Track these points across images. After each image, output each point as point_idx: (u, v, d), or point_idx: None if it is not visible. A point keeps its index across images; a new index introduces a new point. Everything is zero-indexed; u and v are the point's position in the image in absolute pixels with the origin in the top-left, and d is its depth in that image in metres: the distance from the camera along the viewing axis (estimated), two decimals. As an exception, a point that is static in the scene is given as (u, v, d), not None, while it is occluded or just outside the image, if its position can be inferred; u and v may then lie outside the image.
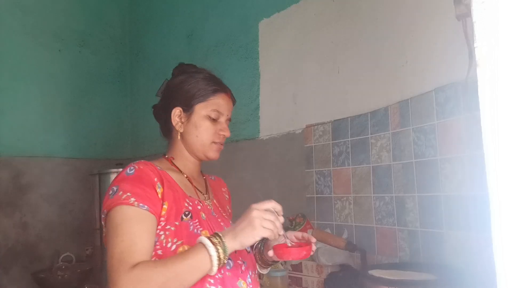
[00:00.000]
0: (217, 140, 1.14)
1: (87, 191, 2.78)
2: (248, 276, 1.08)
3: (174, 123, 1.13)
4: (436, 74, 1.48)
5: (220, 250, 0.87)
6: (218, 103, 1.14)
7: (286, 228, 2.01)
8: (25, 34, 2.93)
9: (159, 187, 0.99)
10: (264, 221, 0.90)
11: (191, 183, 1.15)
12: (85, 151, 3.16)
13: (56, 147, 3.01)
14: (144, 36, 3.41)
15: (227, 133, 1.15)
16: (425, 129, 1.49)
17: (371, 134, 1.72)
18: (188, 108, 1.13)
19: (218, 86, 1.16)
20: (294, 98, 2.12)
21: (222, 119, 1.15)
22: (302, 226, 1.89)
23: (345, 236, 1.76)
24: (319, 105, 1.99)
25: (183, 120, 1.13)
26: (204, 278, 0.92)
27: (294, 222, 1.93)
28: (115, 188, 0.96)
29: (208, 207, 1.14)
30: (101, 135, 3.29)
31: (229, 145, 2.47)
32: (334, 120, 1.89)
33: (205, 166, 1.30)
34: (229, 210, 1.33)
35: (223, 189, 1.36)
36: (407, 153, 1.55)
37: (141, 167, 1.01)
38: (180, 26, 3.00)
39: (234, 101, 1.20)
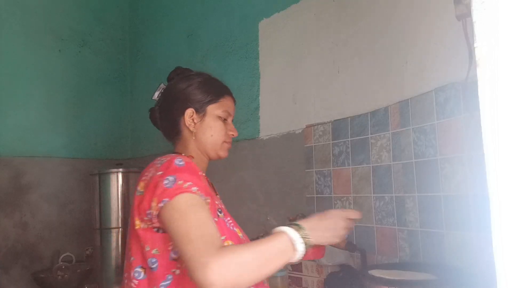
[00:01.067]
0: (227, 140, 1.21)
1: (87, 191, 2.78)
2: None
3: (187, 123, 1.17)
4: (436, 74, 1.48)
5: (305, 243, 0.89)
6: (227, 104, 1.22)
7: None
8: (25, 34, 2.93)
9: (203, 181, 1.02)
10: (346, 230, 0.98)
11: (210, 183, 1.20)
12: (85, 151, 3.16)
13: (56, 147, 3.01)
14: (144, 36, 3.41)
15: (236, 133, 1.23)
16: (425, 129, 1.49)
17: (371, 134, 1.72)
18: (201, 110, 1.18)
19: (225, 88, 1.25)
20: (294, 98, 2.12)
21: (229, 120, 1.23)
22: (302, 226, 1.89)
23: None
24: (319, 105, 1.99)
25: (195, 121, 1.17)
26: None
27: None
28: (171, 178, 0.95)
29: (223, 206, 1.19)
30: (101, 135, 3.29)
31: (229, 145, 2.48)
32: (334, 120, 1.89)
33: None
34: None
35: None
36: (407, 153, 1.55)
37: (188, 160, 1.03)
38: (180, 26, 3.00)
39: (235, 101, 1.28)
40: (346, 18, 1.87)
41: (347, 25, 1.87)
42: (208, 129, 1.17)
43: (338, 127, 1.87)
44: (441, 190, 1.41)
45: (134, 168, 2.53)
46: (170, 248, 0.97)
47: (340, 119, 1.87)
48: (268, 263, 0.85)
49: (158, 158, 1.07)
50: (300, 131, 2.07)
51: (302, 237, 0.88)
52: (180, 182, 0.93)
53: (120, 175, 2.47)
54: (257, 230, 2.14)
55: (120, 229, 2.39)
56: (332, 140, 1.89)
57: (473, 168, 1.30)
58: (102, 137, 3.30)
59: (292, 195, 2.07)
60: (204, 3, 2.79)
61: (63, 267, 2.51)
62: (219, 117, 1.19)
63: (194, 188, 0.93)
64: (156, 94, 1.24)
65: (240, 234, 1.08)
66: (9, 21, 2.86)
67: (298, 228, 0.90)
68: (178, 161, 1.00)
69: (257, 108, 2.34)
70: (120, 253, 2.37)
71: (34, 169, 2.87)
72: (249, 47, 2.41)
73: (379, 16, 1.73)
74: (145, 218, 0.98)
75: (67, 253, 2.66)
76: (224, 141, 1.19)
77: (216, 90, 1.21)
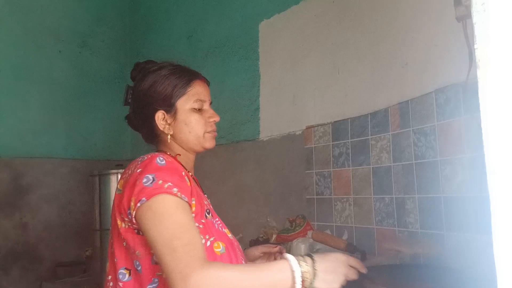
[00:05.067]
0: (209, 129, 1.10)
1: (87, 192, 2.78)
2: None
3: (161, 127, 1.08)
4: (436, 75, 1.48)
5: (307, 283, 0.81)
6: (197, 92, 1.09)
7: (286, 229, 2.02)
8: (25, 35, 2.93)
9: (187, 181, 0.95)
10: (345, 277, 0.87)
11: (196, 182, 1.12)
12: (85, 152, 3.16)
13: (56, 148, 3.01)
14: (144, 37, 3.42)
15: (217, 118, 1.12)
16: (425, 131, 1.48)
17: (371, 135, 1.72)
18: (170, 109, 1.08)
19: (190, 74, 1.11)
20: (294, 99, 2.12)
21: (206, 106, 1.12)
22: (302, 228, 1.89)
23: (345, 237, 1.76)
24: (319, 106, 1.99)
25: (169, 121, 1.08)
26: None
27: (294, 224, 1.93)
28: (150, 177, 0.88)
29: (211, 207, 1.11)
30: (101, 136, 3.29)
31: (229, 146, 2.48)
32: (334, 121, 1.89)
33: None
34: None
35: None
36: (407, 154, 1.55)
37: (170, 160, 0.97)
38: (180, 27, 3.01)
39: (208, 82, 1.16)
40: (346, 19, 1.88)
41: (347, 27, 1.87)
42: (184, 127, 1.07)
43: (338, 128, 1.87)
44: (441, 192, 1.41)
45: (134, 169, 2.52)
46: (152, 251, 0.88)
47: (340, 120, 1.86)
48: None
49: (141, 156, 1.00)
50: (300, 132, 2.07)
51: (303, 273, 0.80)
52: (160, 181, 0.87)
53: (120, 176, 2.47)
54: (257, 232, 2.14)
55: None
56: (332, 141, 1.89)
57: (474, 170, 1.30)
58: (102, 138, 3.30)
59: (292, 196, 2.07)
60: (204, 5, 2.79)
61: (63, 267, 2.51)
62: (193, 109, 1.07)
63: (175, 189, 0.86)
64: (126, 99, 1.15)
65: (229, 235, 1.02)
66: (9, 21, 2.86)
67: (304, 260, 0.83)
68: (160, 159, 0.94)
69: (257, 109, 2.34)
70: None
71: (34, 170, 2.87)
72: (250, 48, 2.41)
73: (379, 18, 1.73)
74: (126, 218, 0.92)
75: (67, 254, 2.65)
76: (206, 132, 1.09)
77: (181, 80, 1.08)
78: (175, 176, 0.91)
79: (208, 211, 1.01)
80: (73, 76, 3.16)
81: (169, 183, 0.87)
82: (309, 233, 1.81)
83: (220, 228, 1.01)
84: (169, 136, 1.08)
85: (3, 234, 2.70)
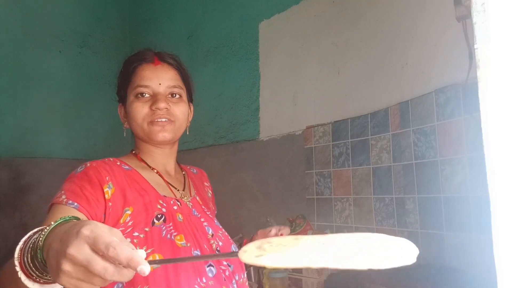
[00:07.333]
0: (151, 119, 0.96)
1: (87, 192, 2.77)
2: (234, 281, 0.94)
3: (123, 122, 1.05)
4: (436, 75, 1.48)
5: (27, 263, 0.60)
6: (140, 77, 0.99)
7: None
8: (25, 34, 2.93)
9: (109, 187, 0.87)
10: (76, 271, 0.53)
11: (163, 179, 1.01)
12: (85, 152, 3.15)
13: (56, 148, 3.00)
14: (144, 37, 3.41)
15: (159, 105, 0.95)
16: (425, 131, 1.48)
17: (371, 135, 1.72)
18: (124, 100, 1.03)
19: (136, 61, 1.02)
20: (294, 99, 2.12)
21: (157, 91, 0.98)
22: (302, 228, 1.89)
23: (345, 237, 1.75)
24: (319, 106, 1.99)
25: (126, 114, 1.04)
26: None
27: (294, 224, 1.93)
28: (62, 186, 0.88)
29: (188, 205, 1.00)
30: (101, 136, 3.29)
31: (229, 146, 2.48)
32: (334, 121, 1.89)
33: (205, 167, 1.30)
34: (213, 208, 1.17)
35: (206, 184, 1.22)
36: (407, 154, 1.55)
37: (94, 165, 0.91)
38: (180, 27, 3.01)
39: (169, 61, 1.02)
40: (346, 19, 1.88)
41: (347, 27, 1.87)
42: (129, 118, 0.99)
43: (338, 128, 1.87)
44: (441, 192, 1.41)
45: (134, 169, 2.52)
46: None
47: (340, 120, 1.87)
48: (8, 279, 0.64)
49: None
50: (300, 132, 2.07)
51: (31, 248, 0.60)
52: (61, 192, 0.85)
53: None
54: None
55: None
56: (332, 141, 1.89)
57: (473, 170, 1.30)
58: (102, 138, 3.30)
59: (292, 196, 2.07)
60: (204, 4, 2.79)
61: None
62: (135, 97, 0.98)
63: (63, 197, 0.83)
64: None
65: (181, 242, 0.88)
66: (9, 21, 2.86)
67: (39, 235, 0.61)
68: (79, 168, 0.91)
69: (257, 109, 2.34)
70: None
71: (34, 170, 2.86)
72: (249, 48, 2.41)
73: (379, 18, 1.73)
74: None
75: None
76: (150, 122, 0.96)
77: (127, 70, 1.01)
78: (77, 182, 0.86)
79: (159, 215, 0.90)
80: (73, 76, 3.16)
81: (62, 191, 0.85)
82: (309, 233, 1.81)
83: (168, 235, 0.88)
84: (124, 130, 1.05)
85: (3, 234, 2.70)
